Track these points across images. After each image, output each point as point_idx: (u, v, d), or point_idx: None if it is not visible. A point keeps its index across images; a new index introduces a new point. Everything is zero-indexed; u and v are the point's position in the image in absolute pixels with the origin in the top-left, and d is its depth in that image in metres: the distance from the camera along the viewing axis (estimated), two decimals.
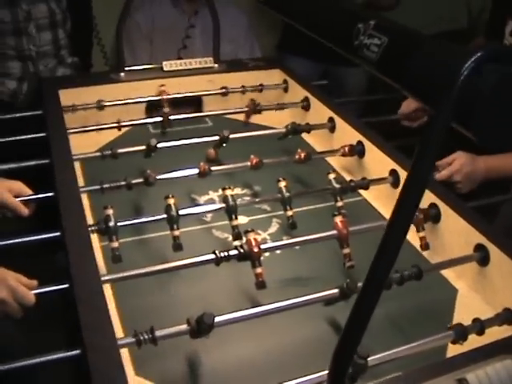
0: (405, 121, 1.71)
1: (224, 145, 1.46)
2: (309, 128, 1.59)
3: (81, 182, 1.33)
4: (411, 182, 0.53)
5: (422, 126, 1.73)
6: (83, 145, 1.45)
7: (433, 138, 0.52)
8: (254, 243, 1.03)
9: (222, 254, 1.02)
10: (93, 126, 1.52)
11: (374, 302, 0.55)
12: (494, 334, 0.92)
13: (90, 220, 1.17)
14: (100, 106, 1.61)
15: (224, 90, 1.76)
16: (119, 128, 1.55)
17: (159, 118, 1.61)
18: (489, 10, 1.87)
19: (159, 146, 1.40)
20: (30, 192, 1.14)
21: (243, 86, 1.78)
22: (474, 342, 0.89)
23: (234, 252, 1.02)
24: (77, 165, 1.37)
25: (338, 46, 0.68)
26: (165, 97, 1.66)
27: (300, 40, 2.21)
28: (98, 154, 1.39)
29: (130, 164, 1.41)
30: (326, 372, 0.79)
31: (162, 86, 1.70)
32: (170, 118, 1.61)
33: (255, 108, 1.68)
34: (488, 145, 0.51)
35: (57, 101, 1.55)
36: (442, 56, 0.55)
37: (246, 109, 1.69)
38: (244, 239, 1.07)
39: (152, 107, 1.72)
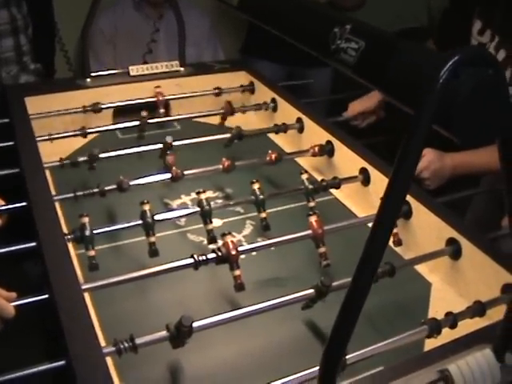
0: (353, 121, 1.75)
1: (168, 152, 1.44)
2: (277, 129, 1.60)
3: (52, 190, 1.32)
4: (394, 184, 0.55)
5: (371, 125, 1.78)
6: (51, 153, 1.44)
7: (414, 141, 0.53)
8: (231, 246, 1.04)
9: (201, 258, 1.02)
10: (61, 133, 1.50)
11: (362, 299, 0.57)
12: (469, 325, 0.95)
13: (64, 229, 1.16)
14: (67, 113, 1.60)
15: (191, 94, 1.76)
16: (85, 135, 1.54)
17: (135, 123, 1.60)
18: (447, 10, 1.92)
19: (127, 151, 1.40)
20: (3, 202, 1.12)
21: (209, 89, 1.78)
22: (448, 334, 0.92)
23: (212, 255, 1.03)
24: (47, 173, 1.35)
25: (315, 50, 0.69)
26: (160, 98, 1.69)
27: (264, 43, 2.25)
28: (69, 161, 1.38)
29: (99, 170, 1.40)
30: (309, 371, 0.82)
31: (158, 87, 1.72)
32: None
33: (231, 110, 1.69)
34: (468, 144, 0.53)
35: (23, 108, 1.53)
36: (420, 59, 0.57)
37: (222, 111, 1.70)
38: (220, 242, 1.08)
39: (119, 113, 1.71)
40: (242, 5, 0.83)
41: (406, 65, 0.58)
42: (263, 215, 1.25)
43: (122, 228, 1.15)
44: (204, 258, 1.02)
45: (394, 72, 0.59)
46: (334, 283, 0.98)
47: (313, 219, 1.12)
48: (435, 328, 0.92)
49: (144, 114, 1.59)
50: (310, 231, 1.12)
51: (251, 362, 0.99)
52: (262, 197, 1.24)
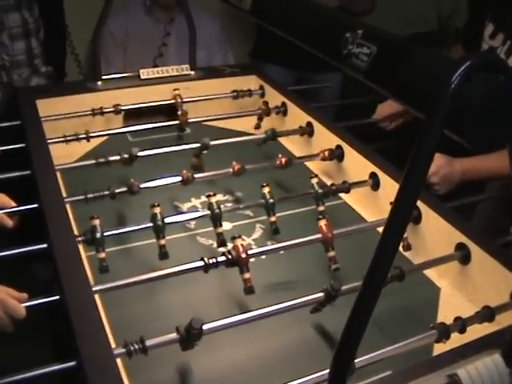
0: (381, 123, 1.75)
1: (205, 152, 1.47)
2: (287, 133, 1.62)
3: (63, 192, 1.32)
4: (405, 188, 0.55)
5: (399, 127, 1.77)
6: (62, 155, 1.45)
7: (426, 146, 0.53)
8: (241, 249, 1.04)
9: (211, 261, 1.02)
10: (72, 135, 1.51)
11: (373, 303, 0.57)
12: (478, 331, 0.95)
13: (74, 230, 1.17)
14: (78, 116, 1.61)
15: (201, 97, 1.77)
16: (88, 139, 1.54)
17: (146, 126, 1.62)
18: (461, 13, 1.92)
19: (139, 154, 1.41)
20: (14, 204, 1.13)
21: (220, 93, 1.79)
22: (457, 339, 0.92)
23: (222, 258, 1.03)
24: (58, 175, 1.36)
25: (327, 55, 0.69)
26: (179, 100, 1.71)
27: (273, 48, 2.25)
28: (81, 163, 1.38)
29: (110, 173, 1.40)
30: (318, 374, 0.82)
31: (176, 89, 1.73)
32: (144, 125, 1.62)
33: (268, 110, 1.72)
34: (480, 150, 0.53)
35: (35, 111, 1.54)
36: (432, 64, 0.57)
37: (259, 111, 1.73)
38: (229, 245, 1.09)
39: (130, 116, 1.72)
40: (254, 10, 0.84)
41: (418, 70, 0.58)
42: (273, 219, 1.26)
43: (133, 230, 1.16)
44: (214, 260, 1.02)
45: (405, 77, 0.59)
46: (344, 287, 0.99)
47: (322, 223, 1.13)
48: (444, 333, 0.92)
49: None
50: (319, 235, 1.12)
51: (260, 364, 0.99)
52: (271, 200, 1.25)
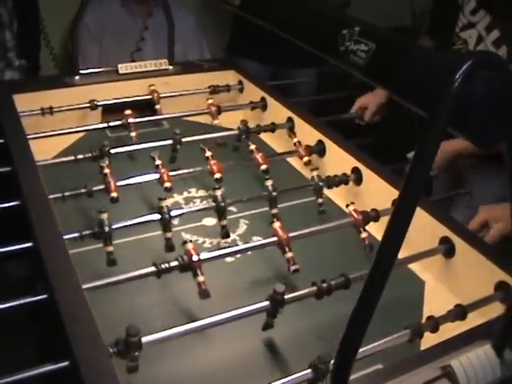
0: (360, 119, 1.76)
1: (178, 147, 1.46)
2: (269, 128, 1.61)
3: None
4: (409, 186, 0.56)
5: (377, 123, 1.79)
6: (40, 151, 1.41)
7: (429, 143, 0.54)
8: (193, 253, 1.02)
9: (163, 266, 1.00)
10: (50, 131, 1.48)
11: (378, 295, 0.57)
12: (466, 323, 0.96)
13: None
14: (56, 111, 1.58)
15: (180, 92, 1.76)
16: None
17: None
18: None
19: (113, 151, 1.39)
20: None
21: (198, 88, 1.78)
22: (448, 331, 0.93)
23: (174, 263, 1.01)
24: None
25: (324, 52, 0.70)
26: (155, 95, 1.70)
27: (249, 42, 2.25)
28: (63, 159, 1.36)
29: (88, 169, 1.37)
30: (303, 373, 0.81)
31: (152, 85, 1.72)
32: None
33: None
34: (484, 145, 0.54)
35: (12, 106, 1.50)
36: (433, 62, 0.58)
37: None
38: (215, 241, 1.06)
39: (108, 111, 1.70)
40: (246, 6, 0.83)
41: (419, 67, 0.59)
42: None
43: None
44: (166, 265, 1.00)
45: (406, 75, 0.59)
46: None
47: (276, 225, 1.11)
48: (416, 332, 0.91)
49: (128, 112, 1.57)
50: (274, 238, 1.10)
51: (247, 362, 0.98)
52: (275, 193, 1.25)
